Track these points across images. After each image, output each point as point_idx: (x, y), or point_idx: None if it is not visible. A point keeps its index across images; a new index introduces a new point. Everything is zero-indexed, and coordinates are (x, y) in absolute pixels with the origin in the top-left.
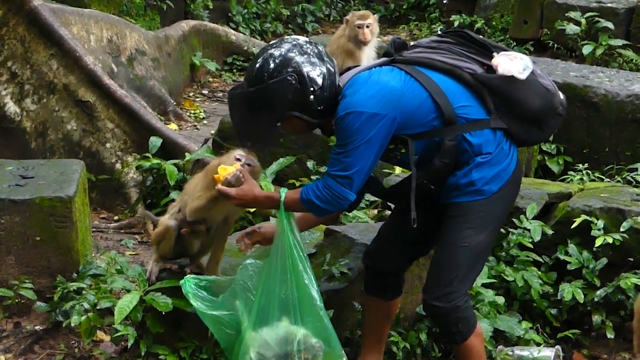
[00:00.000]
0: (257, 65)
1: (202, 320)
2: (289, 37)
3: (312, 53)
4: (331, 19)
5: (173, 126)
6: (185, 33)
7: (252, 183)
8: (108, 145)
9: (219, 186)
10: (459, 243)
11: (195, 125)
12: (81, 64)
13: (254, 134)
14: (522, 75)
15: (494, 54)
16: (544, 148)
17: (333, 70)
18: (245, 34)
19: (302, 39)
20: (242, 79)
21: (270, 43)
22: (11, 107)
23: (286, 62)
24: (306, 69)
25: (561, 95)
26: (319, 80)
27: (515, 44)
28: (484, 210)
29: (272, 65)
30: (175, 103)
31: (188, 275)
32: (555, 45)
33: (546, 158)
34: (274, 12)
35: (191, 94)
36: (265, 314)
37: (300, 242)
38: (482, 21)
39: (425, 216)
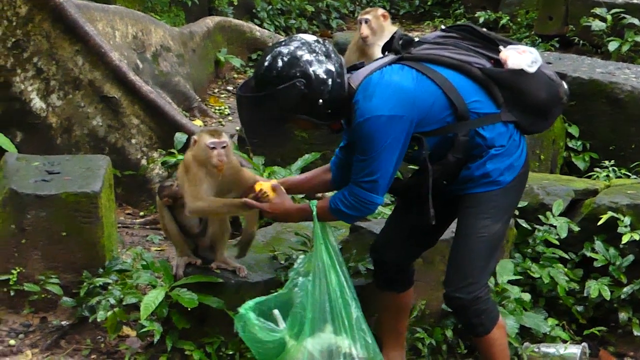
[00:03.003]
0: (266, 64)
1: (244, 341)
2: (297, 35)
3: (319, 51)
4: (355, 15)
5: (198, 122)
6: (210, 29)
7: (283, 197)
8: (133, 141)
9: (250, 200)
10: (477, 233)
11: (220, 122)
12: (106, 60)
13: (262, 134)
14: (532, 69)
15: (501, 47)
16: (569, 145)
17: (341, 69)
18: (269, 30)
19: (310, 37)
20: None
21: (279, 41)
22: (37, 103)
23: (294, 60)
24: (314, 67)
25: (565, 85)
26: (327, 80)
27: (540, 40)
28: (499, 200)
29: (280, 64)
30: (200, 99)
31: (246, 306)
32: (581, 41)
33: (572, 155)
34: (299, 8)
35: (216, 90)
36: (311, 326)
37: (338, 253)
38: (507, 17)
39: (436, 207)
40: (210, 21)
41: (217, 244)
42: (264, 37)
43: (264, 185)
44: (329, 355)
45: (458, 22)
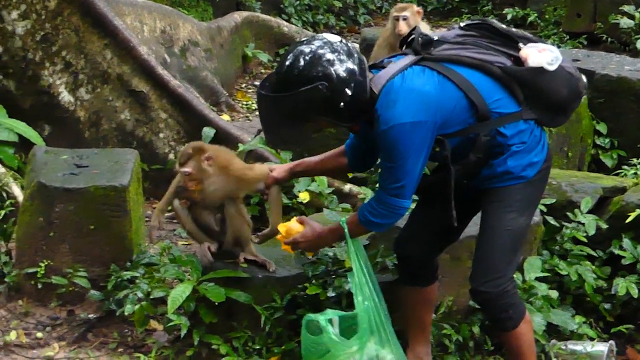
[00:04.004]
0: (287, 63)
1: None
2: (319, 34)
3: (341, 50)
4: (383, 11)
5: (225, 117)
6: (238, 24)
7: (312, 224)
8: (161, 135)
9: (286, 247)
10: (502, 227)
11: (247, 116)
12: (135, 54)
13: (280, 132)
14: (552, 67)
15: (520, 44)
16: (597, 142)
17: (363, 69)
18: (297, 26)
19: (333, 36)
20: None
21: (301, 40)
22: (65, 97)
23: (316, 60)
24: (335, 67)
25: (583, 78)
26: (349, 81)
27: (568, 37)
28: (523, 193)
29: (301, 63)
30: (227, 94)
31: (326, 317)
32: (609, 39)
33: (600, 152)
34: (326, 3)
35: (243, 85)
36: (361, 338)
37: (370, 271)
38: (535, 14)
39: (457, 202)
40: (238, 16)
41: (242, 239)
42: (292, 33)
43: (289, 224)
44: None
45: (475, 19)
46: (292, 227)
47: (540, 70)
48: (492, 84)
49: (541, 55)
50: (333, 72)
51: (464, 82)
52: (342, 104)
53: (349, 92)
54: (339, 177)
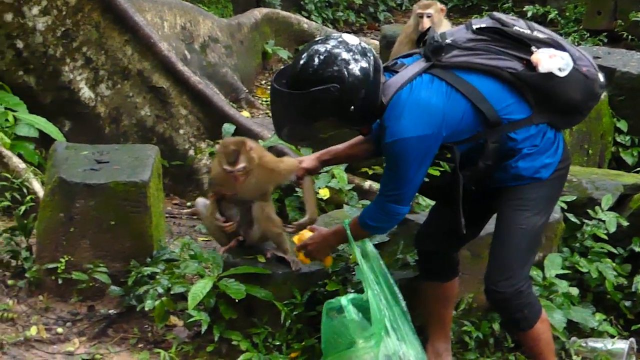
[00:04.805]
0: (302, 62)
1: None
2: (335, 34)
3: (356, 50)
4: (403, 8)
5: (245, 113)
6: (258, 21)
7: (319, 229)
8: (181, 131)
9: (303, 258)
10: (516, 226)
11: (267, 113)
12: (155, 50)
13: (291, 129)
14: (563, 73)
15: (533, 48)
16: (618, 140)
17: (376, 71)
18: (317, 23)
19: (349, 36)
20: None
21: (316, 39)
22: (86, 93)
23: (331, 59)
24: (351, 66)
25: (601, 78)
26: (362, 81)
27: (588, 34)
28: (538, 193)
29: (316, 62)
30: (247, 90)
31: (347, 297)
32: (629, 36)
33: (620, 150)
34: (346, 0)
35: (263, 82)
36: (379, 332)
37: (383, 269)
38: (555, 11)
39: (475, 199)
40: (258, 13)
41: (272, 238)
42: (312, 29)
43: (302, 233)
44: (392, 359)
45: (486, 20)
46: (305, 234)
47: (551, 76)
48: (503, 89)
49: (551, 61)
50: (346, 74)
51: (473, 91)
52: (352, 107)
53: (360, 96)
54: (366, 163)
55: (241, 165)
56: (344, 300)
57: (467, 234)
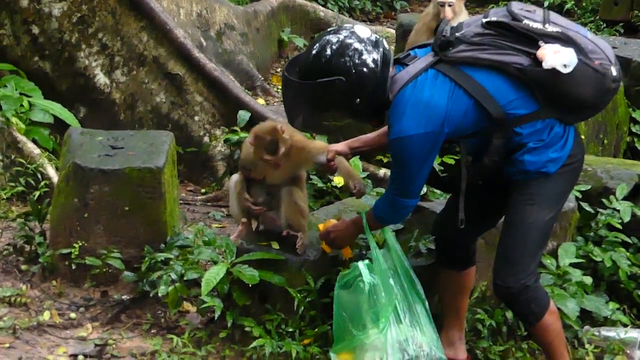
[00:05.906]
0: (314, 52)
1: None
2: (347, 24)
3: (368, 41)
4: None
5: (260, 101)
6: (274, 8)
7: (343, 218)
8: (196, 118)
9: (323, 245)
10: (524, 221)
11: (282, 100)
12: (171, 36)
13: (300, 117)
14: (567, 70)
15: (540, 42)
16: (633, 130)
17: (386, 63)
18: (333, 11)
19: (359, 26)
20: None
21: (328, 30)
22: (101, 79)
23: (343, 49)
24: (364, 56)
25: (614, 72)
26: (372, 72)
27: (605, 25)
28: (545, 188)
29: (328, 52)
30: (262, 78)
31: (364, 262)
32: None
33: (635, 140)
34: None
35: (279, 70)
36: (386, 317)
37: (400, 256)
38: (572, 1)
39: (490, 190)
40: (274, 0)
41: (295, 225)
42: (328, 18)
43: (327, 221)
44: (404, 345)
45: (499, 12)
46: (329, 222)
47: (556, 72)
48: (509, 85)
49: (556, 57)
50: (355, 66)
51: (477, 88)
52: (357, 100)
53: (366, 89)
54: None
55: (281, 151)
56: (361, 263)
57: (484, 224)
